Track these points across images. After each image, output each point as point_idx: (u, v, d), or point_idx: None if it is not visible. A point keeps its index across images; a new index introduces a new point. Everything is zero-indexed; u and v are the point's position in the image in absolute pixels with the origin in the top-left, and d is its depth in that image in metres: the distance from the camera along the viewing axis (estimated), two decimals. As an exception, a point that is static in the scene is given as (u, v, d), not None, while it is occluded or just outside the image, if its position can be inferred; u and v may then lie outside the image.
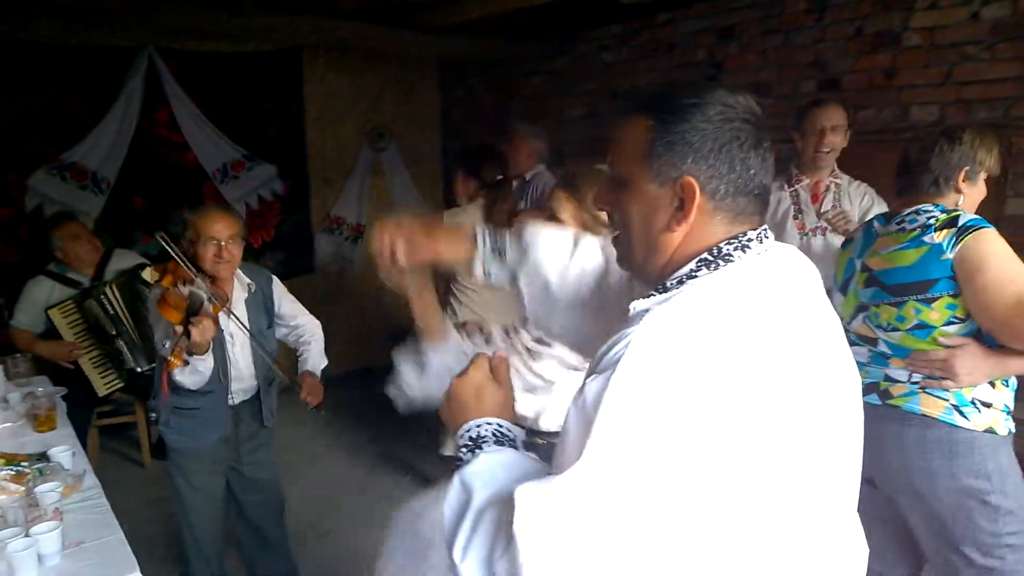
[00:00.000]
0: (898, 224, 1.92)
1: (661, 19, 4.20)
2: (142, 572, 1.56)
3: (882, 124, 3.35)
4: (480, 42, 4.75)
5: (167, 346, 2.11)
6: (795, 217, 2.87)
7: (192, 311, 2.13)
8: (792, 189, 2.92)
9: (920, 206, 1.90)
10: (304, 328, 2.73)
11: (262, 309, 2.53)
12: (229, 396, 2.46)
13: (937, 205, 1.88)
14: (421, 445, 4.00)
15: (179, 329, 2.08)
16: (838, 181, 2.91)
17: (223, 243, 2.31)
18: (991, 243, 1.73)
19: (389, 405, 4.23)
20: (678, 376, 0.77)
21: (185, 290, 2.21)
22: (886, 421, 1.86)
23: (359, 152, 5.46)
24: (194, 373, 2.20)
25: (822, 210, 2.84)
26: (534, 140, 3.86)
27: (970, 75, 3.09)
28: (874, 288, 1.92)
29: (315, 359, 2.70)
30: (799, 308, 0.89)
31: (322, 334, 2.80)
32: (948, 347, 1.77)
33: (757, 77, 3.78)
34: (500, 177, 3.45)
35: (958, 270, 1.74)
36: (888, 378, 1.88)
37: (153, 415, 2.46)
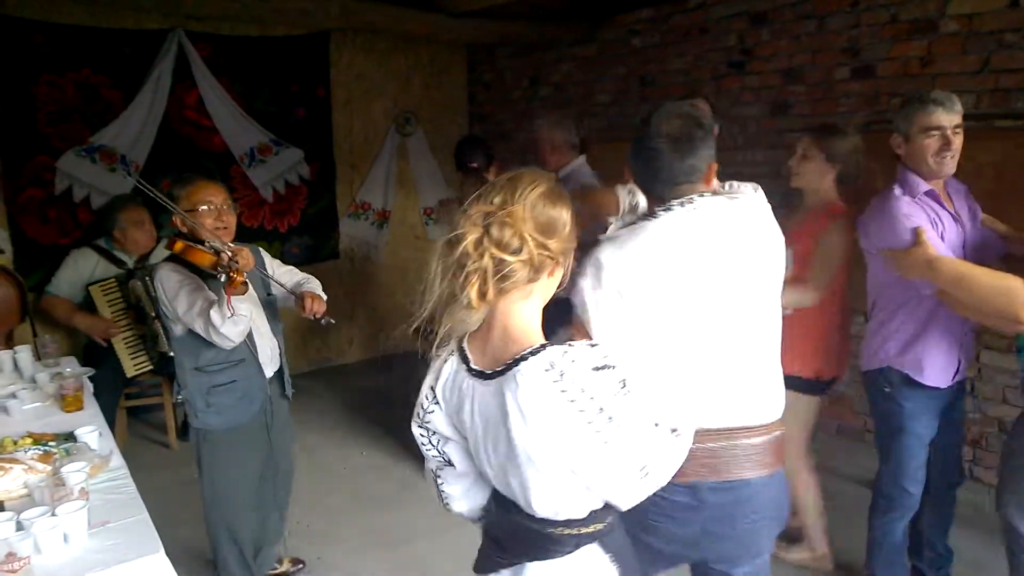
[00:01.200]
0: None
1: (692, 4, 4.12)
2: (166, 553, 1.58)
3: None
4: (509, 26, 4.71)
5: (222, 278, 2.04)
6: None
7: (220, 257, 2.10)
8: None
9: None
10: (304, 277, 2.64)
11: (258, 279, 2.47)
12: (261, 366, 2.44)
13: None
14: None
15: (225, 256, 2.05)
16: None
17: (220, 208, 2.28)
18: None
19: (411, 390, 4.21)
20: (622, 270, 1.44)
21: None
22: None
23: (385, 137, 5.46)
24: (238, 322, 2.12)
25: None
26: (558, 132, 3.27)
27: (1008, 63, 3.00)
28: None
29: (313, 286, 2.59)
30: (705, 234, 1.47)
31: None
32: None
33: (789, 63, 3.70)
34: (474, 165, 3.42)
35: None
36: None
37: (179, 397, 2.44)
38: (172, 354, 3.63)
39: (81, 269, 3.76)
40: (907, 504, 2.40)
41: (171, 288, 2.21)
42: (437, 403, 1.27)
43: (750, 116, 3.93)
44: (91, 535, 1.55)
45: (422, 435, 1.34)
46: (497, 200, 1.16)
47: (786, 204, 2.87)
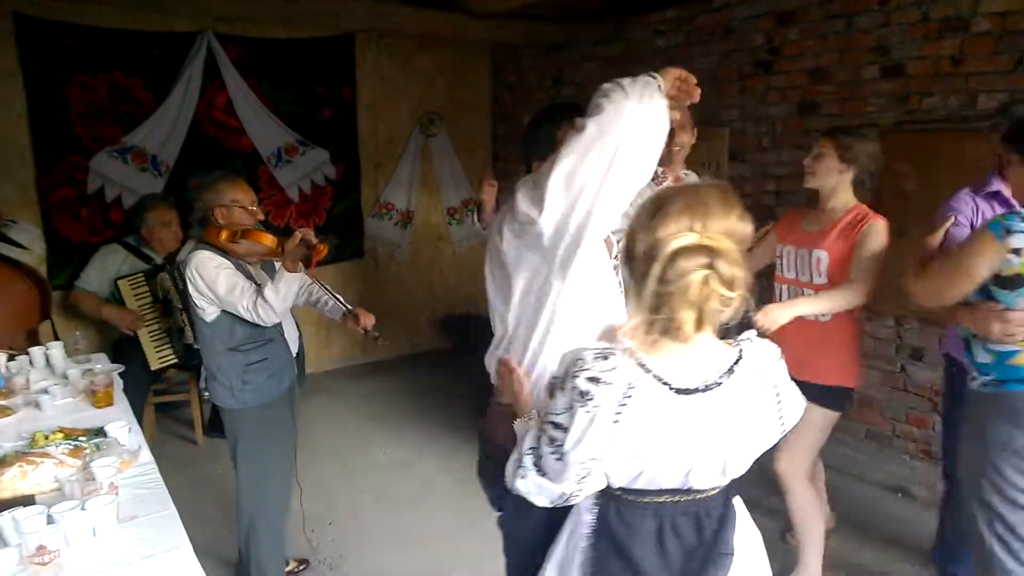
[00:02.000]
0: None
1: (718, 3, 4.09)
2: (193, 548, 1.60)
3: (948, 112, 3.21)
4: (533, 26, 4.71)
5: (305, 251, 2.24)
6: None
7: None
8: (659, 183, 2.86)
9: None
10: (311, 284, 2.73)
11: (272, 272, 2.56)
12: (289, 344, 2.55)
13: None
14: (465, 430, 4.03)
15: (299, 234, 2.22)
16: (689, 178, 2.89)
17: (253, 207, 2.44)
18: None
19: (434, 390, 4.36)
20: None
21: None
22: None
23: (409, 138, 5.50)
24: (287, 299, 2.28)
25: None
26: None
27: (1044, 62, 2.94)
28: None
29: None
30: None
31: None
32: None
33: (817, 62, 3.65)
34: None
35: None
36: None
37: (205, 392, 2.50)
38: (198, 346, 3.73)
39: (109, 264, 3.86)
40: None
41: (209, 271, 2.30)
42: (615, 423, 1.18)
43: (776, 116, 3.89)
44: (119, 529, 1.57)
45: (586, 462, 1.23)
46: (698, 226, 1.14)
47: (810, 205, 2.85)
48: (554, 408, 1.23)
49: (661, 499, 1.29)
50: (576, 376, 1.18)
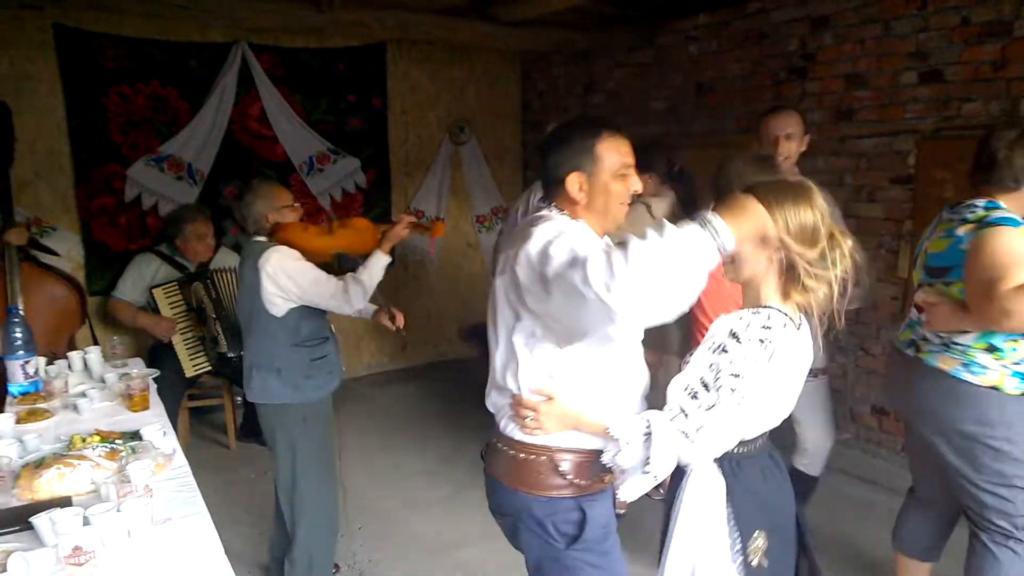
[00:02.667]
0: (953, 213, 2.14)
1: (752, 8, 4.04)
2: (225, 551, 1.61)
3: (989, 118, 3.13)
4: (564, 34, 4.71)
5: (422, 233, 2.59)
6: None
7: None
8: None
9: (976, 200, 2.08)
10: None
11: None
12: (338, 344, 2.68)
13: (992, 201, 2.04)
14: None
15: (406, 218, 2.53)
16: None
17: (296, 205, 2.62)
18: (998, 237, 1.93)
19: (463, 397, 4.34)
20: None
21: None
22: (915, 371, 2.20)
23: (439, 146, 5.52)
24: (369, 289, 2.47)
25: None
26: None
27: (1089, 67, 2.85)
28: (924, 269, 2.20)
29: None
30: None
31: None
32: (931, 303, 2.15)
33: (853, 68, 3.59)
34: (678, 168, 3.24)
35: (965, 258, 2.00)
36: (923, 338, 2.19)
37: (240, 398, 2.53)
38: (231, 355, 3.78)
39: (144, 273, 3.93)
40: None
41: (293, 264, 2.41)
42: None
43: (811, 123, 3.79)
44: (154, 531, 1.59)
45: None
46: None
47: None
48: (726, 364, 1.42)
49: (760, 440, 1.58)
50: (750, 328, 1.44)
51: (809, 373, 1.60)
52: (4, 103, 3.53)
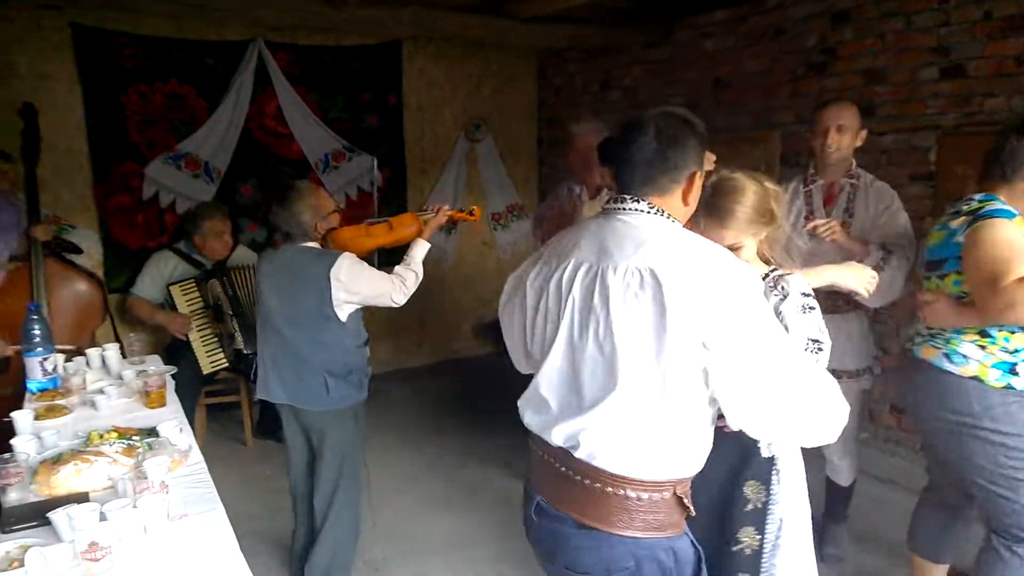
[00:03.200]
0: (952, 207, 2.17)
1: (770, 4, 4.00)
2: (240, 546, 1.62)
3: (1012, 114, 3.07)
4: (579, 30, 4.68)
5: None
6: (807, 218, 2.75)
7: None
8: (807, 190, 2.84)
9: (974, 194, 2.11)
10: None
11: None
12: None
13: (990, 195, 2.06)
14: (509, 436, 4.00)
15: (445, 210, 2.77)
16: (854, 182, 2.77)
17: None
18: (993, 229, 1.95)
19: (478, 395, 4.33)
20: None
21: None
22: (908, 365, 2.26)
23: (455, 143, 5.52)
24: (423, 257, 2.73)
25: (828, 215, 2.74)
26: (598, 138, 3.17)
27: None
28: (923, 264, 2.27)
29: None
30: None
31: None
32: (928, 300, 2.16)
33: (873, 63, 3.55)
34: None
35: (962, 251, 2.02)
36: (917, 332, 2.26)
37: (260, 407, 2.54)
38: (247, 352, 3.81)
39: (162, 270, 3.96)
40: None
41: (360, 272, 2.48)
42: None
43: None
44: (169, 527, 1.60)
45: None
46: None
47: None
48: (806, 330, 1.69)
49: None
50: (804, 296, 1.72)
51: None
52: (30, 103, 3.59)
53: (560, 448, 1.42)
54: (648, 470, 1.36)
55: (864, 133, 2.78)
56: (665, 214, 1.42)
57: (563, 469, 1.42)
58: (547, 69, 5.77)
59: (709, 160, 1.73)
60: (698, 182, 1.46)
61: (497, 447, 4.08)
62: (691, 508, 1.41)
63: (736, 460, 1.78)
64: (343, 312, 2.49)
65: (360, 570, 2.97)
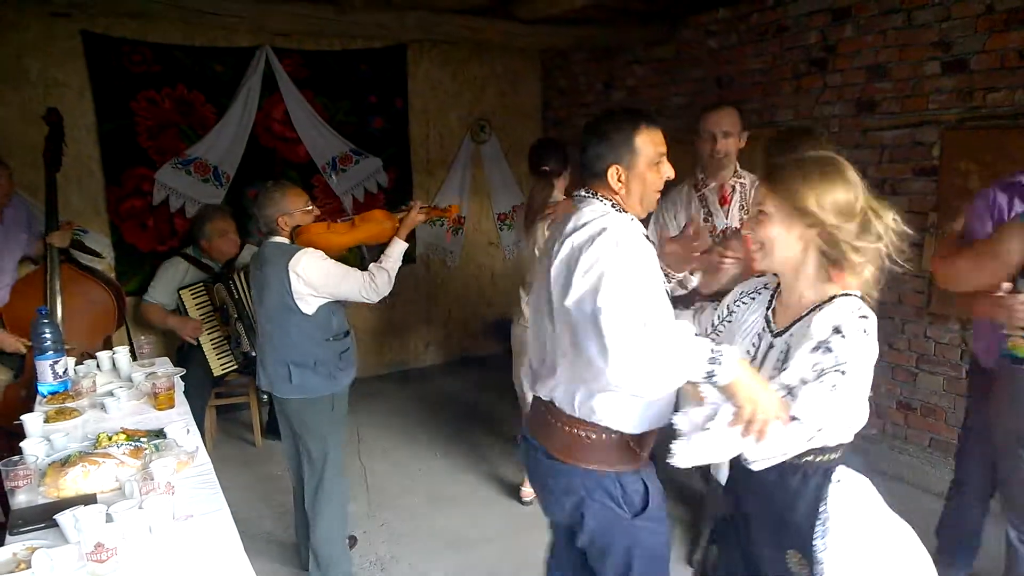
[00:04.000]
0: None
1: (771, 1, 4.00)
2: (248, 546, 1.65)
3: (1015, 108, 3.07)
4: (583, 31, 4.70)
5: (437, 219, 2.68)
6: (705, 220, 2.89)
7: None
8: (700, 193, 2.93)
9: None
10: None
11: None
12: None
13: None
14: (518, 428, 4.03)
15: (418, 204, 2.74)
16: (742, 180, 2.90)
17: (309, 207, 2.73)
18: None
19: (485, 395, 4.37)
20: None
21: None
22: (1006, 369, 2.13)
23: (460, 144, 5.55)
24: (400, 256, 2.70)
25: (726, 215, 2.88)
26: None
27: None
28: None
29: None
30: None
31: None
32: None
33: (875, 59, 3.54)
34: (545, 169, 3.25)
35: None
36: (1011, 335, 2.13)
37: (266, 394, 2.58)
38: (254, 354, 3.86)
39: (172, 276, 4.01)
40: None
41: (319, 265, 2.54)
42: None
43: (832, 116, 3.78)
44: (175, 527, 1.63)
45: None
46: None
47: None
48: (830, 362, 1.38)
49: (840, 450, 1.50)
50: (853, 322, 1.40)
51: None
52: (55, 109, 3.63)
53: (542, 399, 1.81)
54: (593, 415, 1.68)
55: (745, 135, 2.89)
56: (604, 199, 1.71)
57: (543, 411, 1.80)
58: (551, 70, 5.78)
59: (656, 143, 1.70)
60: (624, 172, 1.69)
61: (503, 446, 4.10)
62: (641, 452, 1.72)
63: (774, 523, 1.55)
64: (307, 305, 2.57)
65: (366, 569, 3.01)
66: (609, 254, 1.57)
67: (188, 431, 2.16)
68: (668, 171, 1.73)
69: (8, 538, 1.60)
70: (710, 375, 1.41)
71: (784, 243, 1.46)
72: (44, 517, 1.63)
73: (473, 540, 3.19)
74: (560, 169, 3.27)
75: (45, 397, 2.44)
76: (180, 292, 3.98)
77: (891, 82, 3.49)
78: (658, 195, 1.77)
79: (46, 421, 2.20)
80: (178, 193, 4.52)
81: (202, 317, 3.98)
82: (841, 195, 1.41)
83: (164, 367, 2.89)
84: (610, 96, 5.25)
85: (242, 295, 3.95)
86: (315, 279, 2.54)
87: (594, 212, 1.69)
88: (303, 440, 2.72)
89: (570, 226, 1.69)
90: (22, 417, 2.19)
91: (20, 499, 1.78)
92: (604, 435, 1.70)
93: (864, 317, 1.42)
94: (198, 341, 3.95)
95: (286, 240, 2.64)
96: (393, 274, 2.67)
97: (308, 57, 4.83)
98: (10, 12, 3.94)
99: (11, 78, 4.04)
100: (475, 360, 5.77)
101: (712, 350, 1.42)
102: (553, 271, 1.68)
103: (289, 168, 4.89)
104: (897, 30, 3.44)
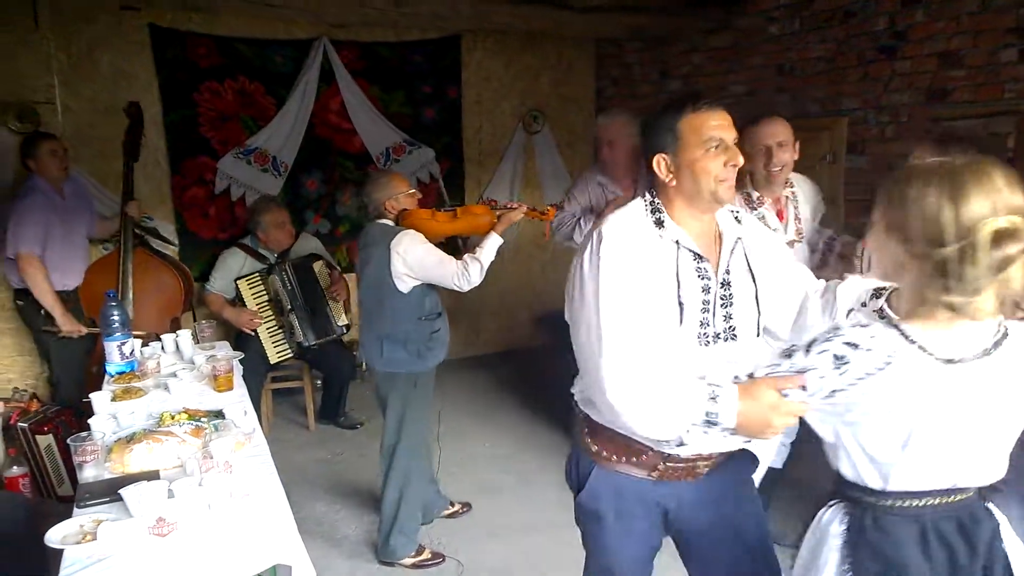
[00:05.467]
0: None
1: (837, -14, 3.88)
2: (298, 527, 1.69)
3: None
4: (637, 19, 4.63)
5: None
6: None
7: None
8: (760, 217, 2.69)
9: None
10: None
11: None
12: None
13: None
14: (565, 427, 4.02)
15: (523, 207, 2.87)
16: (793, 190, 2.78)
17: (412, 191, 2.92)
18: None
19: (534, 386, 4.37)
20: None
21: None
22: None
23: (512, 135, 5.54)
24: (494, 251, 2.79)
25: (785, 232, 2.75)
26: (626, 128, 3.22)
27: None
28: None
29: None
30: None
31: None
32: None
33: (947, 46, 3.39)
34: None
35: None
36: None
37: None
38: (307, 343, 3.96)
39: (231, 266, 4.11)
40: None
41: (420, 247, 2.69)
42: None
43: (901, 104, 3.64)
44: (232, 505, 1.68)
45: None
46: (1000, 206, 1.11)
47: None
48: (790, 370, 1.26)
49: (921, 502, 1.25)
50: (830, 340, 1.21)
51: None
52: (136, 103, 3.86)
53: None
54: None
55: (798, 144, 2.70)
56: (650, 197, 1.61)
57: None
58: (605, 59, 5.72)
59: (709, 126, 1.52)
60: (670, 160, 1.55)
61: (553, 439, 4.10)
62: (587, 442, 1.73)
63: None
64: (403, 284, 2.70)
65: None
66: (587, 273, 1.52)
67: (245, 412, 2.22)
68: (733, 157, 1.53)
69: (75, 511, 1.67)
70: (710, 419, 1.34)
71: (882, 251, 1.31)
72: (110, 491, 1.69)
73: (523, 530, 3.19)
74: None
75: (113, 377, 2.53)
76: (237, 282, 4.07)
77: (964, 69, 3.34)
78: (728, 185, 1.54)
79: (113, 400, 2.29)
80: (239, 182, 4.63)
81: (259, 307, 4.07)
82: (932, 209, 1.16)
83: (224, 350, 2.98)
84: (665, 85, 5.16)
85: (294, 286, 4.02)
86: (412, 260, 2.68)
87: (620, 212, 1.60)
88: (384, 414, 2.91)
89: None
90: (91, 395, 2.28)
91: (87, 473, 1.86)
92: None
93: (850, 344, 1.21)
94: (255, 331, 4.03)
95: (391, 222, 2.80)
96: (486, 266, 2.76)
97: (364, 48, 4.89)
98: (82, 6, 4.09)
99: (83, 71, 4.20)
100: (523, 352, 5.78)
101: (711, 386, 1.34)
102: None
103: (344, 158, 4.96)
104: (972, 15, 3.29)
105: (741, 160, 1.54)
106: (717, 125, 1.52)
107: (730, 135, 1.54)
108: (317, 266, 4.11)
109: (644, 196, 1.62)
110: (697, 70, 4.88)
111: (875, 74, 3.75)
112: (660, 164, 1.56)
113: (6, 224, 3.42)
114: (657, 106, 1.66)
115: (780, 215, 2.77)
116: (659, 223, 1.57)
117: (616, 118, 3.31)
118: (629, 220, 1.57)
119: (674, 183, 1.56)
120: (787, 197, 2.76)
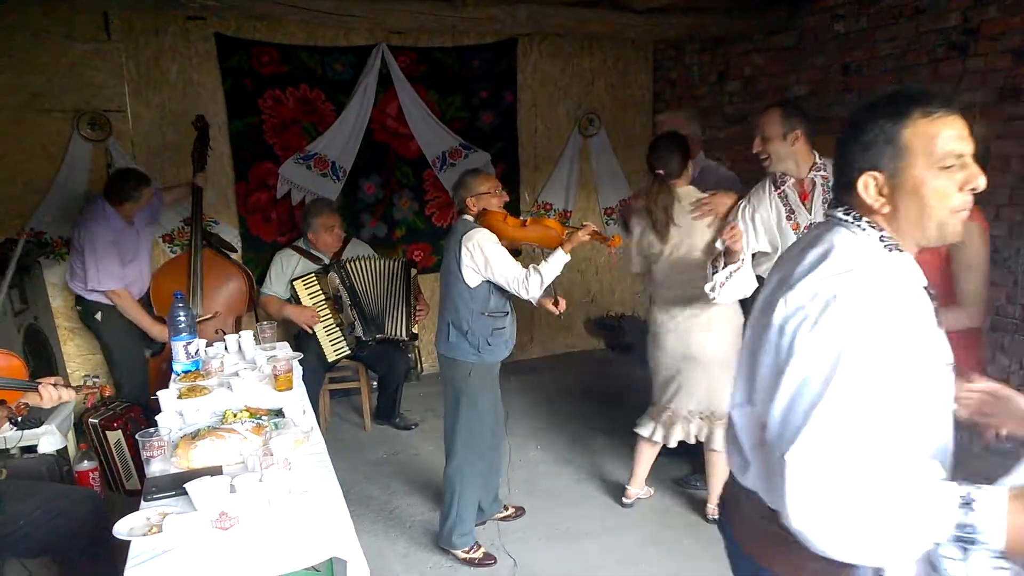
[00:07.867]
0: None
1: (905, -18, 3.74)
2: (355, 524, 1.72)
3: None
4: (697, 20, 4.56)
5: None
6: (788, 218, 2.85)
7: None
8: (780, 191, 2.83)
9: None
10: None
11: None
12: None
13: None
14: (618, 432, 3.99)
15: (592, 227, 2.94)
16: (823, 174, 2.80)
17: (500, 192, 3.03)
18: None
19: (588, 390, 4.37)
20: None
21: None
22: None
23: (568, 138, 5.52)
24: (558, 267, 2.89)
25: (809, 212, 2.81)
26: (694, 125, 3.36)
27: None
28: None
29: None
30: None
31: None
32: None
33: (1022, 43, 3.24)
34: (660, 172, 3.06)
35: None
36: None
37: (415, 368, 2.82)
38: (366, 339, 4.03)
39: (286, 268, 4.19)
40: None
41: (492, 246, 2.82)
42: None
43: (973, 103, 3.49)
44: (291, 501, 1.71)
45: None
46: None
47: (1012, 201, 2.54)
48: None
49: None
50: None
51: None
52: (203, 115, 4.11)
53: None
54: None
55: (798, 133, 2.73)
56: (865, 225, 1.27)
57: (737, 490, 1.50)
58: (663, 61, 5.66)
59: (944, 138, 1.17)
60: (884, 182, 1.21)
61: (606, 443, 4.06)
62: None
63: None
64: (470, 278, 2.83)
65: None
66: (835, 356, 1.07)
67: (304, 411, 2.27)
68: (972, 178, 1.16)
69: (142, 504, 1.73)
70: (965, 533, 0.99)
71: None
72: (175, 485, 1.75)
73: (575, 534, 3.17)
74: (680, 170, 3.06)
75: (179, 375, 2.62)
76: (292, 283, 4.15)
77: (1042, 66, 3.19)
78: (959, 216, 1.19)
79: (179, 397, 2.37)
80: (299, 187, 4.74)
81: (315, 306, 4.15)
82: None
83: (284, 351, 3.05)
84: (724, 87, 5.07)
85: (355, 281, 4.11)
86: (479, 256, 2.80)
87: (841, 252, 1.19)
88: (446, 399, 3.02)
89: (799, 267, 1.21)
90: (158, 393, 2.37)
91: (154, 468, 1.93)
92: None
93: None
94: (313, 330, 4.11)
95: (471, 219, 2.93)
96: (547, 280, 2.84)
97: (421, 53, 4.95)
98: (149, 17, 4.26)
99: (153, 80, 4.37)
100: (579, 355, 5.75)
101: (961, 496, 1.00)
102: (764, 333, 1.21)
103: (402, 163, 5.03)
104: (1051, 8, 3.13)
105: (983, 182, 1.17)
106: (955, 135, 1.16)
107: (970, 148, 1.17)
108: (413, 272, 4.28)
109: (852, 222, 1.24)
110: (758, 71, 4.79)
111: (946, 73, 3.60)
112: (868, 185, 1.20)
113: (80, 241, 3.68)
114: (869, 104, 1.24)
115: (804, 196, 2.83)
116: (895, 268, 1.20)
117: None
118: (873, 269, 1.16)
119: (886, 209, 1.21)
120: (816, 181, 2.80)
